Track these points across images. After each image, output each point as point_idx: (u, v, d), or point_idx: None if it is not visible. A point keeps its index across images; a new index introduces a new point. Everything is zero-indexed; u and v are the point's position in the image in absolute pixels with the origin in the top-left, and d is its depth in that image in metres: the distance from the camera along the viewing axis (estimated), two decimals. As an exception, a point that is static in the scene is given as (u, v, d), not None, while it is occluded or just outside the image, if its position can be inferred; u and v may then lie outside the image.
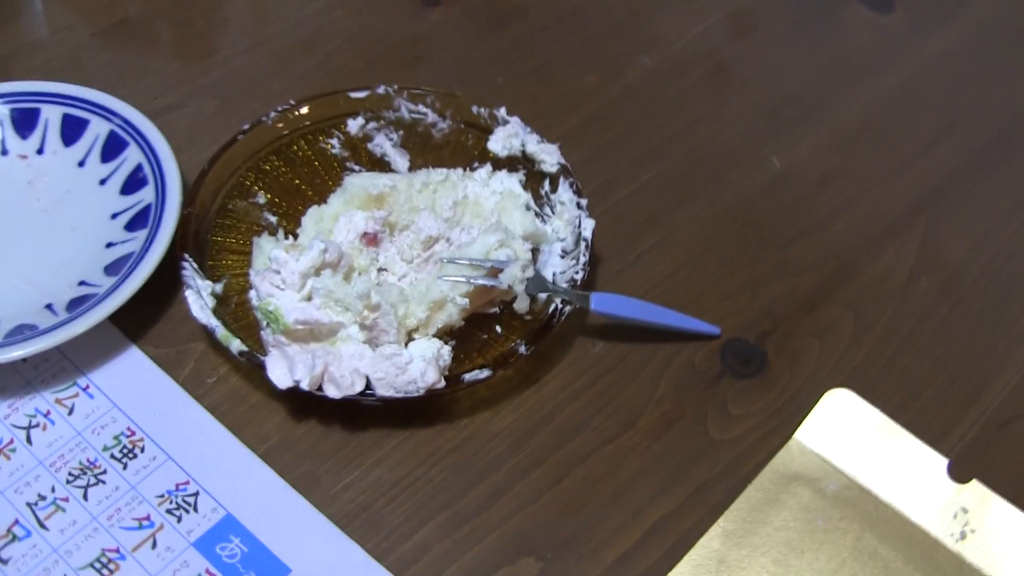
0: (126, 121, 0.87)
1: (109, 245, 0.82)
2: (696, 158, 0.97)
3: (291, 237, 0.83)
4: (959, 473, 0.77)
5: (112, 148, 0.87)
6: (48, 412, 0.76)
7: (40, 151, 0.88)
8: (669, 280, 0.88)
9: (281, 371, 0.72)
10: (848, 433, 0.78)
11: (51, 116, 0.89)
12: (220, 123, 0.94)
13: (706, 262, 0.89)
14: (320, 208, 0.84)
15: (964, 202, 0.98)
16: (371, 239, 0.81)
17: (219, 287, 0.78)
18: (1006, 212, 0.97)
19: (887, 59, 1.11)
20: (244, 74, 1.00)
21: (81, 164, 0.87)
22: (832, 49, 1.11)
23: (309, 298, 0.75)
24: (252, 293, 0.77)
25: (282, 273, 0.75)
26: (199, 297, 0.75)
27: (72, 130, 0.88)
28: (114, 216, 0.84)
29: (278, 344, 0.73)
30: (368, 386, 0.72)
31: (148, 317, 0.81)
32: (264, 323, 0.74)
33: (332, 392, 0.72)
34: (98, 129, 0.88)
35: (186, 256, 0.77)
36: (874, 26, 1.14)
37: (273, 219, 0.85)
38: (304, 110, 0.88)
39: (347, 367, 0.72)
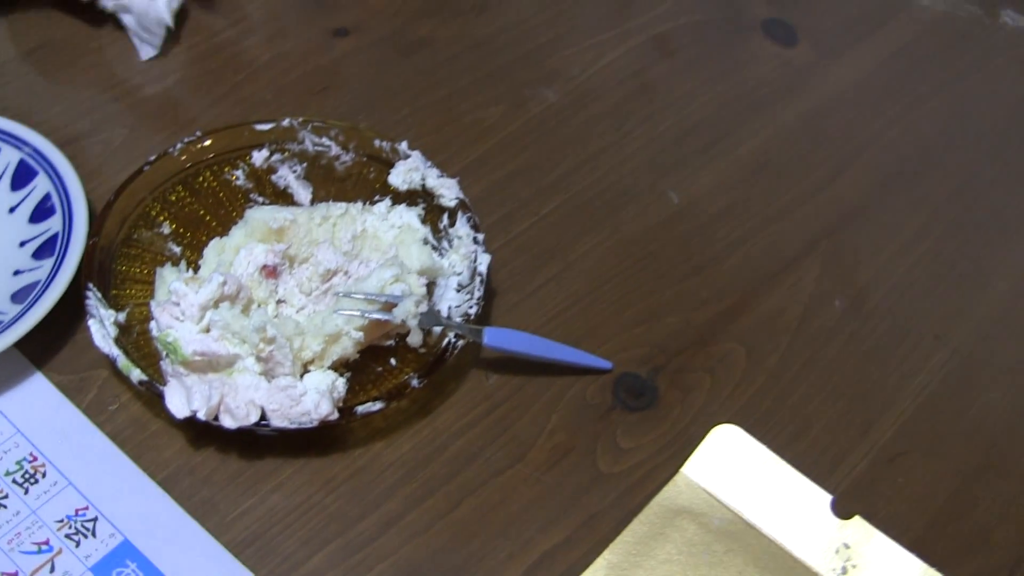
0: (36, 150, 0.88)
1: (16, 273, 0.84)
2: (596, 191, 0.99)
3: (193, 268, 0.85)
4: (843, 509, 0.80)
5: (22, 176, 0.88)
6: (-50, 437, 0.78)
7: (-50, 179, 0.90)
8: (565, 313, 0.90)
9: (179, 401, 0.73)
10: (734, 468, 0.81)
11: (-39, 144, 0.90)
12: (129, 151, 0.95)
13: (602, 296, 0.92)
14: (222, 240, 0.86)
15: (863, 234, 1.01)
16: (271, 271, 0.83)
17: (122, 316, 0.79)
18: (905, 244, 1.01)
19: (790, 92, 1.13)
20: (154, 102, 1.01)
21: (-10, 193, 0.89)
22: (735, 82, 1.13)
23: (207, 330, 0.77)
24: (152, 325, 0.79)
25: (181, 305, 0.77)
26: (102, 326, 0.77)
27: (-18, 158, 0.90)
28: (22, 244, 0.85)
29: (176, 374, 0.75)
30: (263, 417, 0.74)
31: (53, 344, 0.82)
32: (164, 353, 0.76)
33: (228, 423, 0.73)
34: (8, 157, 0.89)
35: (90, 285, 0.79)
36: (777, 59, 1.16)
37: (177, 249, 0.86)
38: (209, 142, 0.90)
39: (243, 398, 0.74)
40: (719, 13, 1.22)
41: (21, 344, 0.79)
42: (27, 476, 0.76)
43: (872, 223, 1.02)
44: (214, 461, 0.78)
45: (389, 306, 0.79)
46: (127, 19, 1.04)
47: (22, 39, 1.06)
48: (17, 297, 0.81)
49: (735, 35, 1.20)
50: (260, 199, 0.90)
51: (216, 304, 0.77)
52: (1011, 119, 1.15)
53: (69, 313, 0.81)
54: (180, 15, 1.08)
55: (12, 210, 0.87)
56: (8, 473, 0.76)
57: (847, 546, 0.78)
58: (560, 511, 0.78)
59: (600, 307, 0.91)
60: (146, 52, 1.04)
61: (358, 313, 0.79)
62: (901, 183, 1.07)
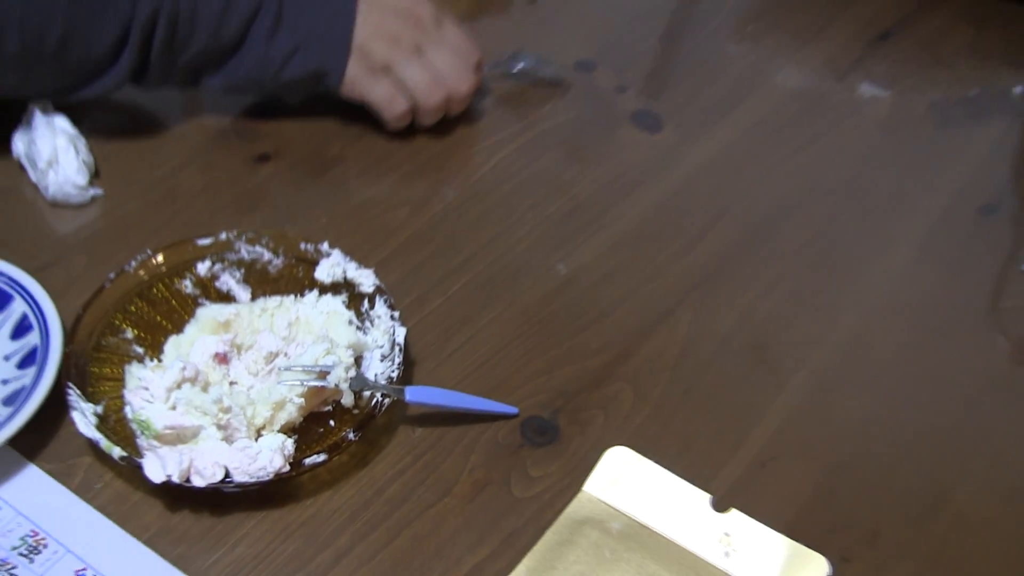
0: (11, 278, 1.02)
1: (4, 382, 0.97)
2: (496, 269, 1.13)
3: (156, 361, 0.99)
4: (721, 505, 0.94)
5: (1, 301, 1.02)
6: (-38, 523, 0.91)
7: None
8: (476, 372, 1.03)
9: (155, 468, 0.87)
10: (628, 482, 0.94)
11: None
12: (91, 274, 1.07)
13: (507, 354, 1.05)
14: (179, 336, 1.00)
15: (728, 284, 1.15)
16: (222, 358, 0.97)
17: (99, 408, 0.92)
18: (766, 286, 1.15)
19: (659, 170, 1.28)
20: (107, 232, 1.14)
21: (-25, 317, 1.03)
22: (611, 167, 1.28)
23: (173, 407, 0.91)
24: (127, 409, 0.92)
25: (150, 389, 0.91)
26: (84, 417, 0.90)
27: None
28: (7, 358, 0.99)
29: (151, 447, 0.89)
30: (227, 475, 0.88)
31: (41, 439, 0.94)
32: (138, 431, 0.90)
33: (198, 482, 0.87)
34: (-13, 287, 1.03)
35: (69, 385, 0.92)
36: (647, 143, 1.32)
37: (140, 350, 0.99)
38: (160, 258, 1.03)
39: (209, 460, 0.88)
40: (594, 110, 1.37)
41: (14, 441, 0.91)
42: (31, 548, 0.89)
43: (737, 271, 1.17)
44: (188, 520, 0.91)
45: (323, 374, 0.94)
46: (51, 189, 1.16)
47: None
48: (7, 401, 0.94)
49: (609, 127, 1.35)
50: (206, 302, 1.04)
51: (179, 386, 0.92)
52: (861, 168, 1.32)
53: (53, 412, 0.93)
54: (112, 156, 1.22)
55: (-9, 333, 1.02)
56: (14, 547, 0.89)
57: (727, 534, 0.92)
58: (484, 532, 0.91)
59: (506, 364, 1.04)
60: (82, 198, 1.18)
61: (298, 382, 0.93)
62: (762, 235, 1.22)
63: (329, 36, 1.18)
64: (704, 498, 0.94)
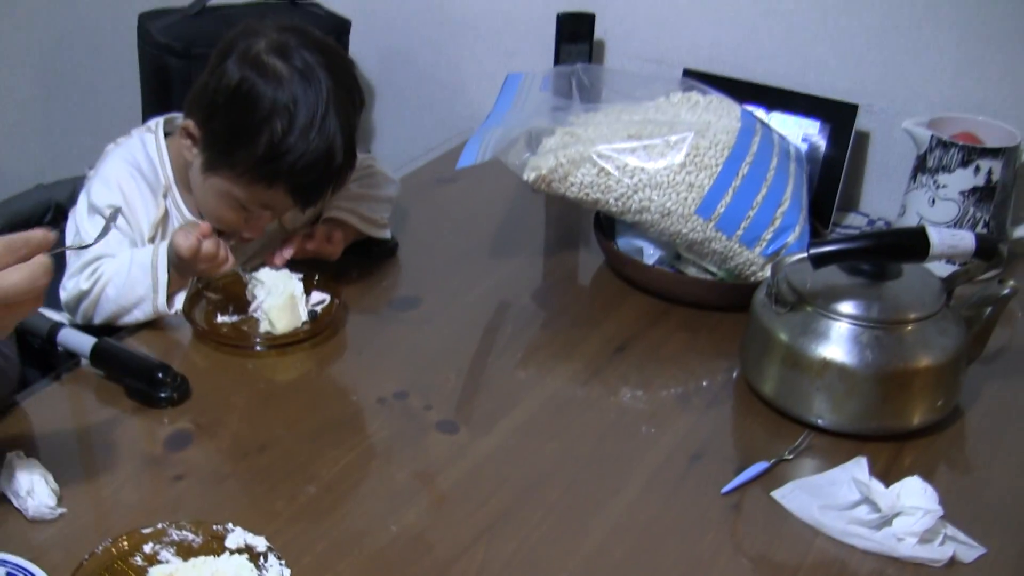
0: (18, 565, 1.46)
1: None
2: (349, 531, 1.63)
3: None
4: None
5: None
6: None
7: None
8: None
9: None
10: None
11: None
12: (68, 561, 1.47)
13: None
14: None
15: (511, 524, 1.59)
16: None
17: None
18: (536, 523, 1.61)
19: (457, 460, 1.72)
20: (75, 534, 1.55)
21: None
22: (420, 463, 1.73)
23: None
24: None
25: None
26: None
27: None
28: None
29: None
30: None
31: None
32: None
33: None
34: (-1, 573, 1.47)
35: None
36: (448, 443, 1.77)
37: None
38: (118, 544, 1.49)
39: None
40: (405, 423, 1.81)
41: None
42: None
43: (517, 515, 1.61)
44: None
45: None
46: (31, 511, 1.57)
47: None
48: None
49: (419, 434, 1.79)
50: (152, 570, 1.50)
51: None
52: (602, 441, 1.81)
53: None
54: (71, 482, 1.63)
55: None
56: None
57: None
58: None
59: None
60: (53, 515, 1.62)
61: None
62: (532, 492, 1.66)
63: None
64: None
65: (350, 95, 1.99)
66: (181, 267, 2.01)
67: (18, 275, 1.34)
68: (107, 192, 2.02)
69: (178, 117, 2.16)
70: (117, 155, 2.10)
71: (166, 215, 2.11)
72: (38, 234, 1.38)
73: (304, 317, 2.05)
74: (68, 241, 2.07)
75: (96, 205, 2.04)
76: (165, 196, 2.11)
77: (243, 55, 1.98)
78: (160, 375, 1.83)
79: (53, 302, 2.13)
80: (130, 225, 2.07)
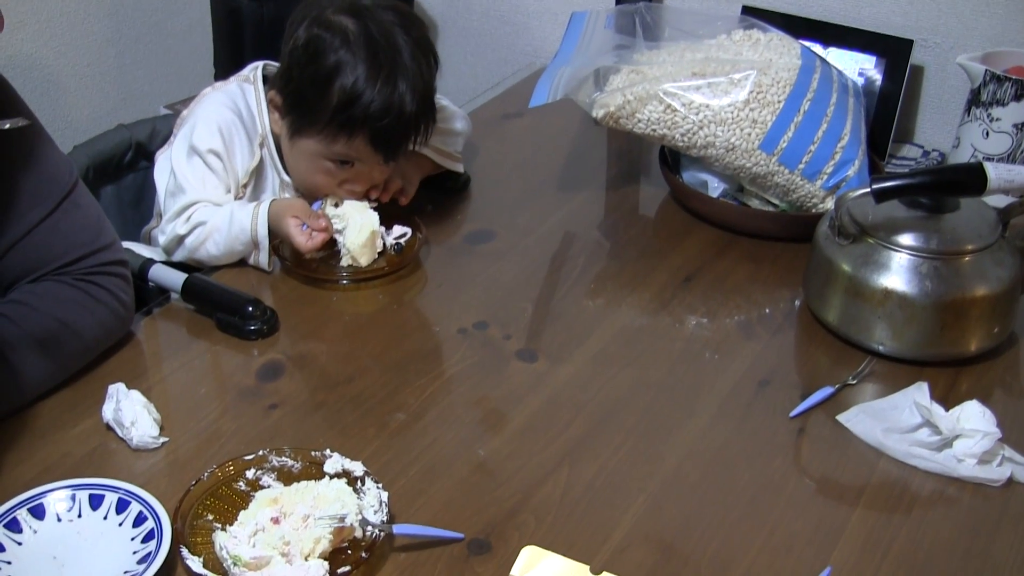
0: (128, 491, 1.54)
1: (134, 552, 1.48)
2: (440, 456, 1.72)
3: (227, 530, 1.54)
4: (596, 569, 1.51)
5: (122, 505, 1.55)
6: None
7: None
8: (435, 515, 1.60)
9: (248, 585, 1.43)
10: (537, 567, 1.51)
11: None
12: (173, 487, 1.58)
13: (452, 504, 1.61)
14: (245, 511, 1.56)
15: (590, 449, 1.68)
16: (275, 520, 1.53)
17: (200, 560, 1.46)
18: (614, 449, 1.71)
19: (535, 388, 1.80)
20: (176, 463, 1.66)
21: (105, 518, 1.56)
22: (503, 391, 1.80)
23: (253, 546, 1.47)
24: (222, 551, 1.46)
25: (238, 537, 1.48)
26: (195, 562, 1.45)
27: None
28: (132, 539, 1.51)
29: (241, 573, 1.45)
30: (290, 583, 1.44)
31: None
32: (231, 564, 1.45)
33: (275, 589, 1.43)
34: (112, 498, 1.57)
35: (181, 546, 1.48)
36: (527, 372, 1.84)
37: (218, 525, 1.54)
38: (232, 468, 1.59)
39: (278, 574, 1.44)
40: (486, 353, 1.89)
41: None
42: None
43: (595, 441, 1.69)
44: (267, 620, 1.46)
45: (341, 520, 1.50)
46: (135, 441, 1.69)
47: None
48: (140, 562, 1.49)
49: (500, 363, 1.87)
50: (255, 495, 1.60)
51: (255, 534, 1.48)
52: (672, 367, 1.91)
53: (170, 565, 1.47)
54: (172, 414, 1.73)
55: (120, 524, 1.53)
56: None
57: (601, 590, 1.48)
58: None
59: (452, 509, 1.60)
60: (155, 444, 1.72)
61: (327, 524, 1.49)
62: (609, 418, 1.74)
63: None
64: (584, 568, 1.48)
65: (421, 49, 2.04)
66: (279, 233, 2.10)
67: None
68: (209, 136, 2.08)
69: (273, 65, 2.24)
70: (217, 100, 2.15)
71: (261, 163, 2.19)
72: None
73: (382, 250, 2.14)
74: (159, 185, 2.15)
75: (198, 148, 2.11)
76: (262, 146, 2.18)
77: (314, 19, 2.06)
78: (250, 308, 1.93)
79: (143, 239, 2.22)
80: (227, 170, 2.14)
